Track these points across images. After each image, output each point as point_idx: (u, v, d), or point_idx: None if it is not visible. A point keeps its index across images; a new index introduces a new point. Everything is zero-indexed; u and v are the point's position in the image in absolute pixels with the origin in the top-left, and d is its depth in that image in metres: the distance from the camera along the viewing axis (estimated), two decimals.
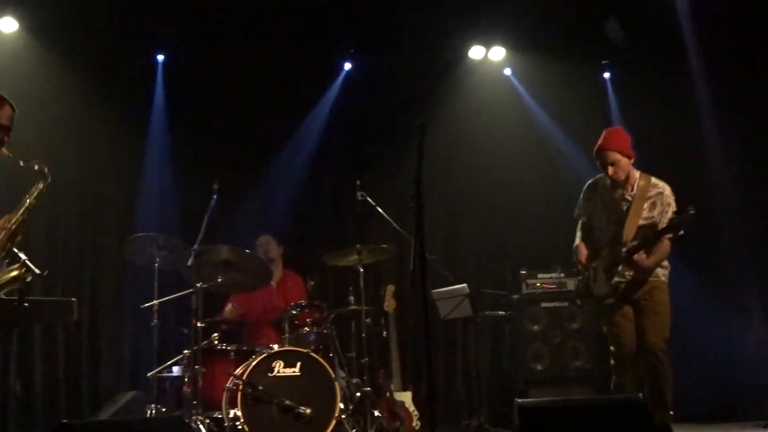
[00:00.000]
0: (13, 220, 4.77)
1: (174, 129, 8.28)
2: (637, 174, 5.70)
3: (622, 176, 5.66)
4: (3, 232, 4.73)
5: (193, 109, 8.30)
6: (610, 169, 5.63)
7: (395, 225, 7.07)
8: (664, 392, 5.45)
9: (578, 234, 5.97)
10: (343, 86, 8.75)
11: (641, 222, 5.61)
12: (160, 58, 8.30)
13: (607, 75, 9.09)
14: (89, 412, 7.50)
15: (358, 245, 6.96)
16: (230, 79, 8.37)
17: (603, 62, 9.05)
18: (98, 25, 7.85)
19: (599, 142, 5.70)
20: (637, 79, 8.73)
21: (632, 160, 5.68)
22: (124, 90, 8.18)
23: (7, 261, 4.81)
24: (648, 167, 5.82)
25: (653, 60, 8.56)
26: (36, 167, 4.85)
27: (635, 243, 5.55)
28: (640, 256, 5.52)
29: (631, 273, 5.59)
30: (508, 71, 9.05)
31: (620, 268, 5.61)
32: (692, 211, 5.33)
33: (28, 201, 4.82)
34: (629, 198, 5.68)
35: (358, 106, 8.69)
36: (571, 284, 7.50)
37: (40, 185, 4.85)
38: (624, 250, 5.54)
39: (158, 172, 8.23)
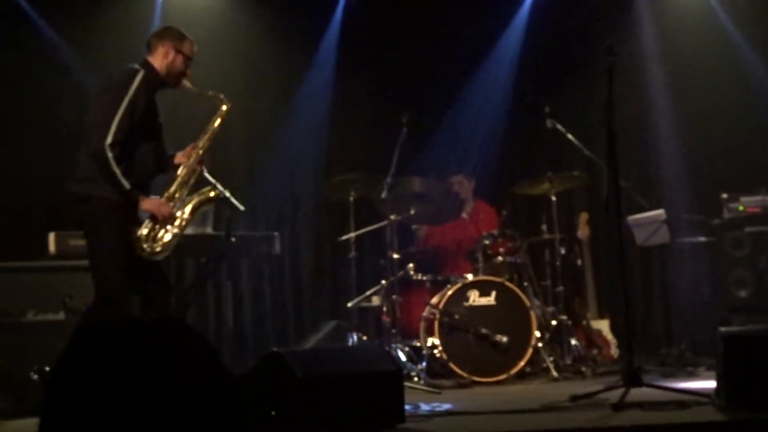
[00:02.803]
0: (200, 146, 5.08)
1: (363, 63, 8.39)
2: None
3: None
4: (192, 157, 5.05)
5: (379, 43, 8.36)
6: None
7: (586, 152, 6.94)
8: None
9: None
10: (531, 13, 8.57)
11: None
12: None
13: None
14: (295, 341, 7.83)
15: (549, 173, 6.90)
16: (414, 11, 8.38)
17: None
18: None
19: None
20: None
21: None
22: (313, 31, 8.35)
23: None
24: None
25: None
26: (214, 95, 5.18)
27: None
28: None
29: None
30: None
31: None
32: None
33: (210, 127, 5.13)
34: None
35: (545, 33, 8.49)
36: None
37: (222, 110, 5.15)
38: None
39: (348, 106, 8.38)
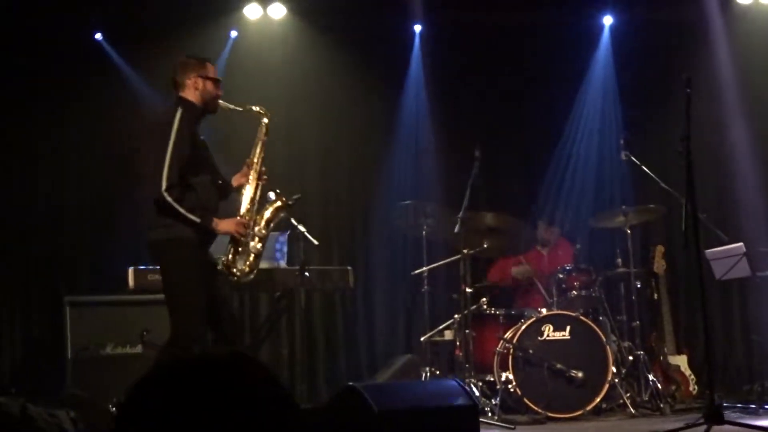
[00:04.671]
0: (254, 162, 5.15)
1: (432, 99, 8.42)
2: None
3: None
4: (250, 175, 5.12)
5: (452, 77, 8.40)
6: None
7: (662, 184, 6.85)
8: None
9: None
10: (605, 45, 8.51)
11: None
12: (418, 28, 8.43)
13: None
14: (367, 375, 7.83)
15: (623, 206, 6.82)
16: (485, 45, 8.40)
17: None
18: (356, 4, 8.14)
19: None
20: None
21: None
22: (386, 64, 8.42)
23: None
24: None
25: None
26: (253, 108, 5.23)
27: None
28: None
29: None
30: None
31: None
32: None
33: (258, 141, 5.19)
34: None
35: (618, 65, 8.43)
36: None
37: (264, 122, 5.20)
38: None
39: (420, 141, 8.40)
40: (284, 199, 5.21)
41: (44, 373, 6.74)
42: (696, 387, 6.90)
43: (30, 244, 7.45)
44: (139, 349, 6.46)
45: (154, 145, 4.80)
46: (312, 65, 8.22)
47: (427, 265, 6.79)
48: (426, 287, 6.76)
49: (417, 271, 6.87)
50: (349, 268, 7.14)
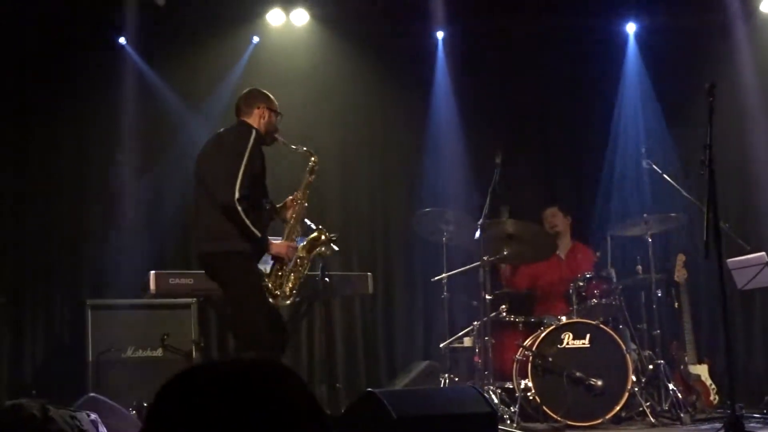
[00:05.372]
0: (299, 197, 5.43)
1: (455, 105, 8.42)
2: None
3: None
4: (297, 208, 5.41)
5: (473, 84, 8.39)
6: None
7: (684, 192, 6.82)
8: None
9: None
10: (633, 52, 8.45)
11: None
12: (440, 34, 8.42)
13: None
14: (386, 381, 7.82)
15: (645, 214, 6.80)
16: (508, 51, 8.39)
17: None
18: (379, 11, 8.15)
19: None
20: None
21: None
22: (408, 71, 8.43)
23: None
24: None
25: None
26: (304, 149, 5.57)
27: None
28: None
29: None
30: None
31: None
32: None
33: (305, 180, 5.50)
34: None
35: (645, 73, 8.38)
36: None
37: (311, 163, 5.53)
38: None
39: (441, 147, 8.40)
40: (327, 234, 5.52)
41: (66, 375, 6.79)
42: (716, 397, 6.85)
43: (53, 247, 7.50)
44: (159, 352, 6.50)
45: (223, 157, 5.07)
46: (334, 71, 8.25)
47: (447, 271, 6.79)
48: (445, 294, 6.76)
49: (437, 278, 6.87)
50: (369, 274, 7.16)
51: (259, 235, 4.99)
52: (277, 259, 5.23)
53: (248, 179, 4.97)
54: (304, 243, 5.44)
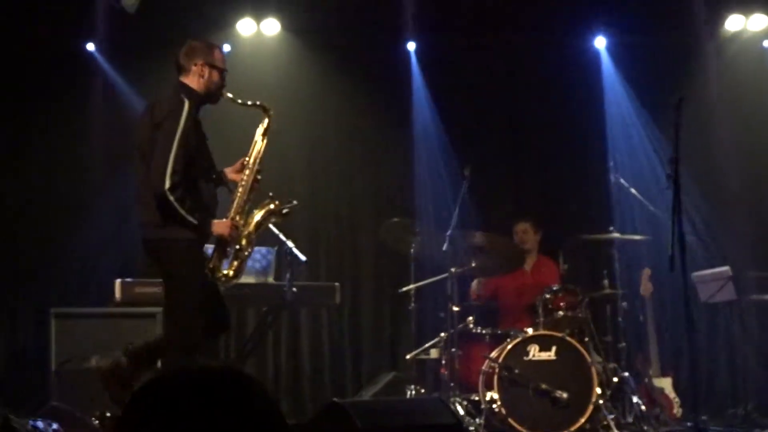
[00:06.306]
0: (251, 161, 4.98)
1: (426, 116, 8.43)
2: None
3: None
4: (246, 172, 4.96)
5: (444, 97, 8.42)
6: None
7: (650, 207, 6.88)
8: None
9: None
10: (591, 66, 8.55)
11: None
12: (411, 46, 8.42)
13: None
14: (352, 392, 7.81)
15: (611, 227, 6.85)
16: (478, 64, 8.44)
17: None
18: (349, 22, 8.17)
19: None
20: None
21: None
22: (378, 82, 8.44)
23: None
24: None
25: None
26: (257, 104, 5.08)
27: None
28: None
29: None
30: None
31: None
32: None
33: (258, 139, 5.04)
34: None
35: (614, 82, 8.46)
36: None
37: (265, 121, 5.06)
38: None
39: (410, 158, 8.41)
40: (278, 203, 5.05)
41: (28, 385, 6.70)
42: (680, 410, 6.89)
43: (17, 254, 7.42)
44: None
45: (157, 138, 4.61)
46: (305, 81, 8.24)
47: (415, 282, 6.79)
48: (413, 305, 6.76)
49: (404, 289, 6.87)
50: (336, 284, 7.13)
51: (195, 222, 4.59)
52: (220, 241, 4.82)
53: (181, 161, 4.54)
54: (252, 216, 4.94)
